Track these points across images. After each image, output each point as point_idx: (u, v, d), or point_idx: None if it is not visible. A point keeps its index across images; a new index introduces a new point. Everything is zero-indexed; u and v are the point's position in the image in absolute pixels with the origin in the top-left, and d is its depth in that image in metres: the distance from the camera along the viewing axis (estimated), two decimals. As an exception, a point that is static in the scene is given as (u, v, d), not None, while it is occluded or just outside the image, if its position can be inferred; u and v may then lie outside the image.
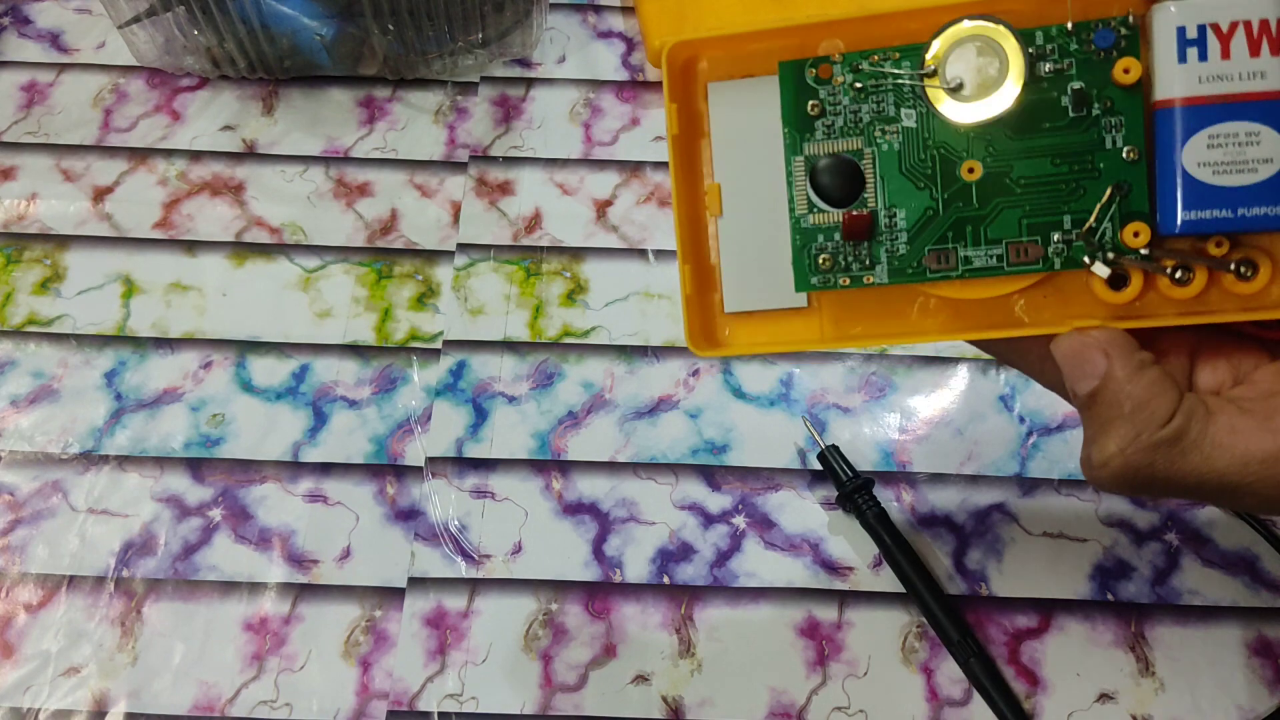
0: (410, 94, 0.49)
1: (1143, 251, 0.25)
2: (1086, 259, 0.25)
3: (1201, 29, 0.24)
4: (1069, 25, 0.25)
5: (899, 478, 0.40)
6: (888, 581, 0.38)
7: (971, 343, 0.29)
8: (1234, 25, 0.24)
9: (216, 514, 0.39)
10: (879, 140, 0.26)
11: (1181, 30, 0.24)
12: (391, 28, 0.46)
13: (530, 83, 0.50)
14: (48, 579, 0.38)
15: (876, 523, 0.38)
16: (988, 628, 0.37)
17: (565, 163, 0.47)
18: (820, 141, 0.27)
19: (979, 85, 0.25)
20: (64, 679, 0.36)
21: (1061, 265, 0.25)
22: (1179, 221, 0.24)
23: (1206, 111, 0.24)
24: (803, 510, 0.39)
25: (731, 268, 0.28)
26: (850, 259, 0.27)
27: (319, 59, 0.48)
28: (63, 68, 0.50)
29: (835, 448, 0.40)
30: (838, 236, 0.27)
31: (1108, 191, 0.25)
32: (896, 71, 0.26)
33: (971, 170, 0.26)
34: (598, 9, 0.52)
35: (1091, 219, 0.25)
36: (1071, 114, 0.25)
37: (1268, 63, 0.23)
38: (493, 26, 0.48)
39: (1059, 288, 0.26)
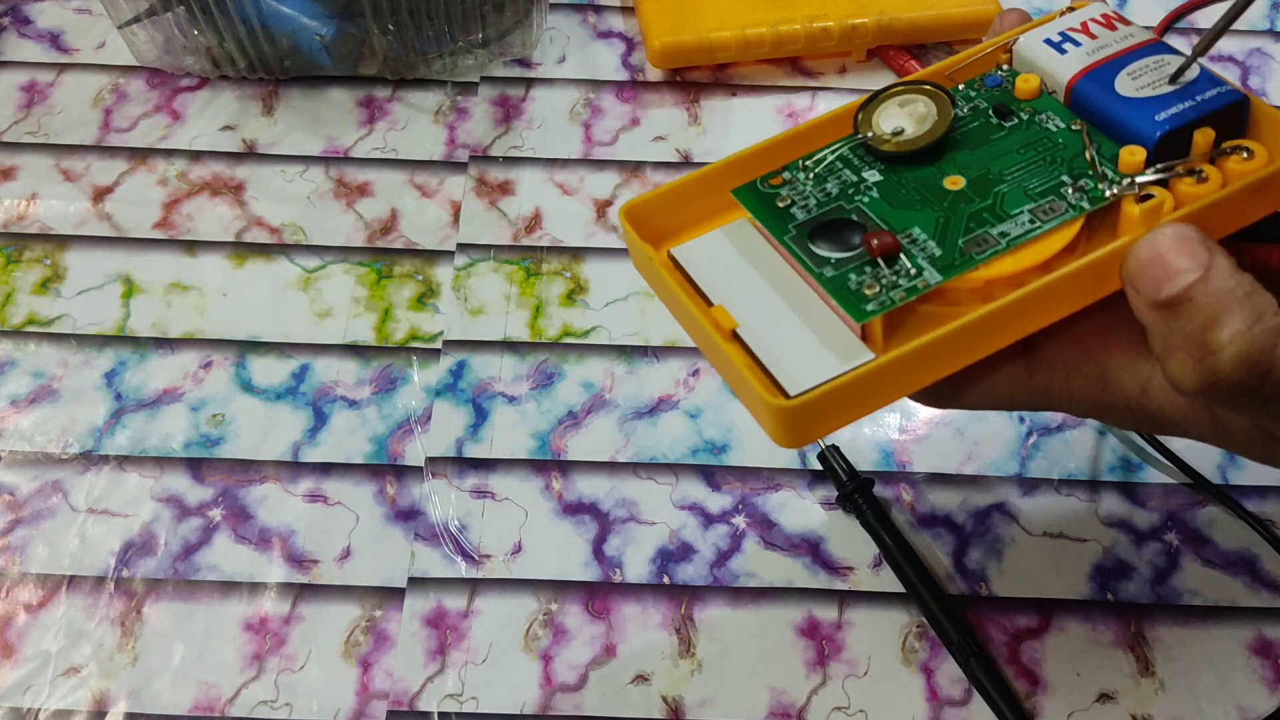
0: (410, 94, 0.49)
1: (1150, 170, 0.26)
2: (1109, 191, 0.26)
3: (1062, 33, 0.29)
4: (960, 86, 0.29)
5: (899, 478, 0.40)
6: (888, 581, 0.38)
7: (992, 402, 0.28)
8: (1084, 23, 0.29)
9: (216, 514, 0.39)
10: (857, 198, 0.27)
11: (1048, 40, 0.29)
12: (391, 28, 0.47)
13: (530, 83, 0.50)
14: (48, 579, 0.38)
15: (876, 523, 0.38)
16: (988, 628, 0.37)
17: (565, 163, 0.47)
18: (803, 221, 0.27)
19: (917, 122, 0.28)
20: (64, 679, 0.36)
21: (1090, 205, 0.26)
22: (1158, 124, 0.26)
23: (1112, 64, 0.28)
24: (803, 510, 0.39)
25: (776, 360, 0.26)
26: (894, 276, 0.26)
27: (319, 59, 0.48)
28: (63, 68, 0.50)
29: (835, 448, 0.40)
30: (869, 268, 0.26)
31: (1084, 137, 0.27)
32: (839, 147, 0.28)
33: (954, 182, 0.27)
34: (598, 9, 0.52)
35: (1089, 157, 0.27)
36: (1005, 125, 0.28)
37: (1126, 30, 0.28)
38: (493, 26, 0.48)
39: (1094, 247, 0.26)
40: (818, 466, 0.40)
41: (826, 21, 0.49)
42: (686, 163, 0.48)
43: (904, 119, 0.28)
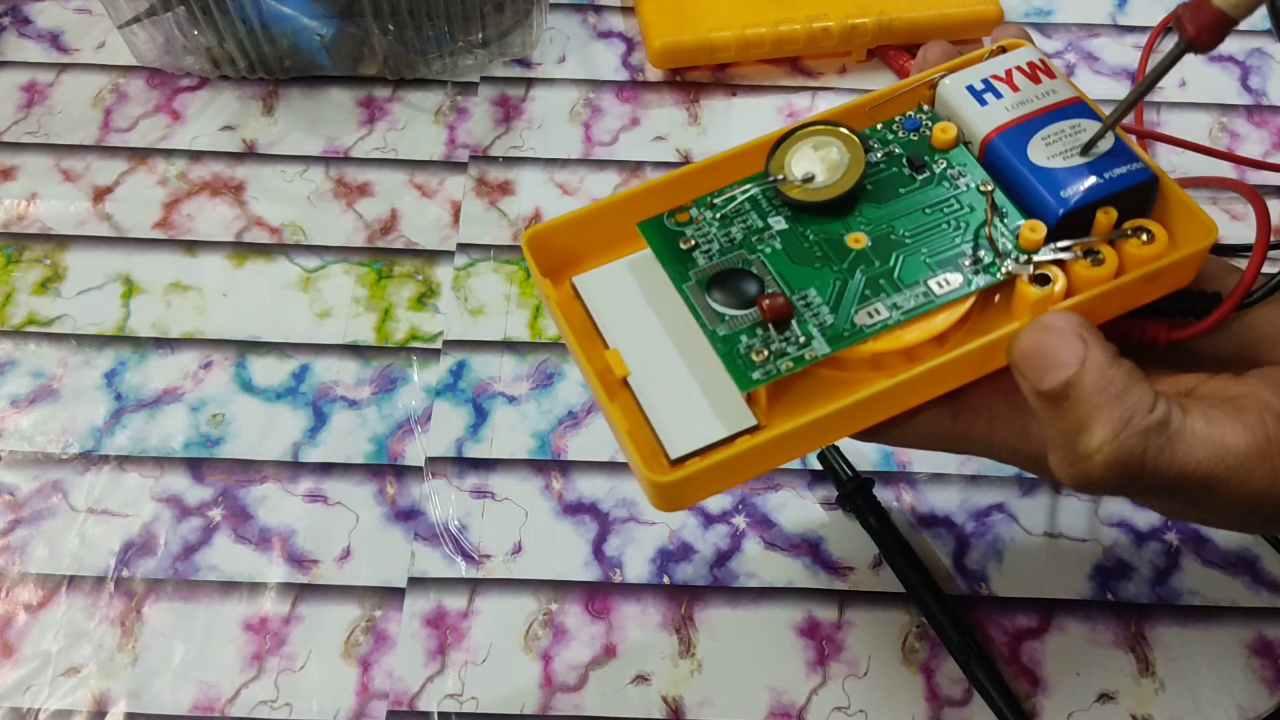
0: (410, 94, 0.49)
1: (1048, 248, 0.26)
2: (1004, 267, 0.26)
3: (985, 81, 0.28)
4: (878, 125, 0.29)
5: (899, 478, 0.40)
6: (888, 581, 0.38)
7: (909, 443, 0.28)
8: (1009, 71, 0.28)
9: (216, 514, 0.39)
10: (760, 247, 0.27)
11: (970, 87, 0.28)
12: (391, 28, 0.47)
13: (530, 83, 0.50)
14: (48, 579, 0.38)
15: (876, 523, 0.38)
16: (988, 628, 0.37)
17: (565, 163, 0.47)
18: (703, 268, 0.27)
19: (828, 169, 0.27)
20: (64, 679, 0.36)
21: (984, 281, 0.26)
22: (1062, 200, 0.26)
23: (1029, 124, 0.27)
24: (803, 510, 0.39)
25: (662, 417, 0.26)
26: (784, 344, 0.26)
27: (319, 59, 0.48)
28: (63, 68, 0.50)
29: (835, 447, 0.40)
30: (761, 331, 0.26)
31: (988, 203, 0.27)
32: (748, 189, 0.28)
33: (857, 240, 0.27)
34: (598, 9, 0.52)
35: (988, 228, 0.26)
36: (918, 178, 0.28)
37: (1050, 84, 0.28)
38: (493, 26, 0.48)
39: (985, 323, 0.26)
40: (818, 466, 0.40)
41: (826, 21, 0.49)
42: (686, 163, 0.48)
43: (816, 163, 0.28)
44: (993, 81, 0.28)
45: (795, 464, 0.40)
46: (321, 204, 0.46)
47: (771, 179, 0.28)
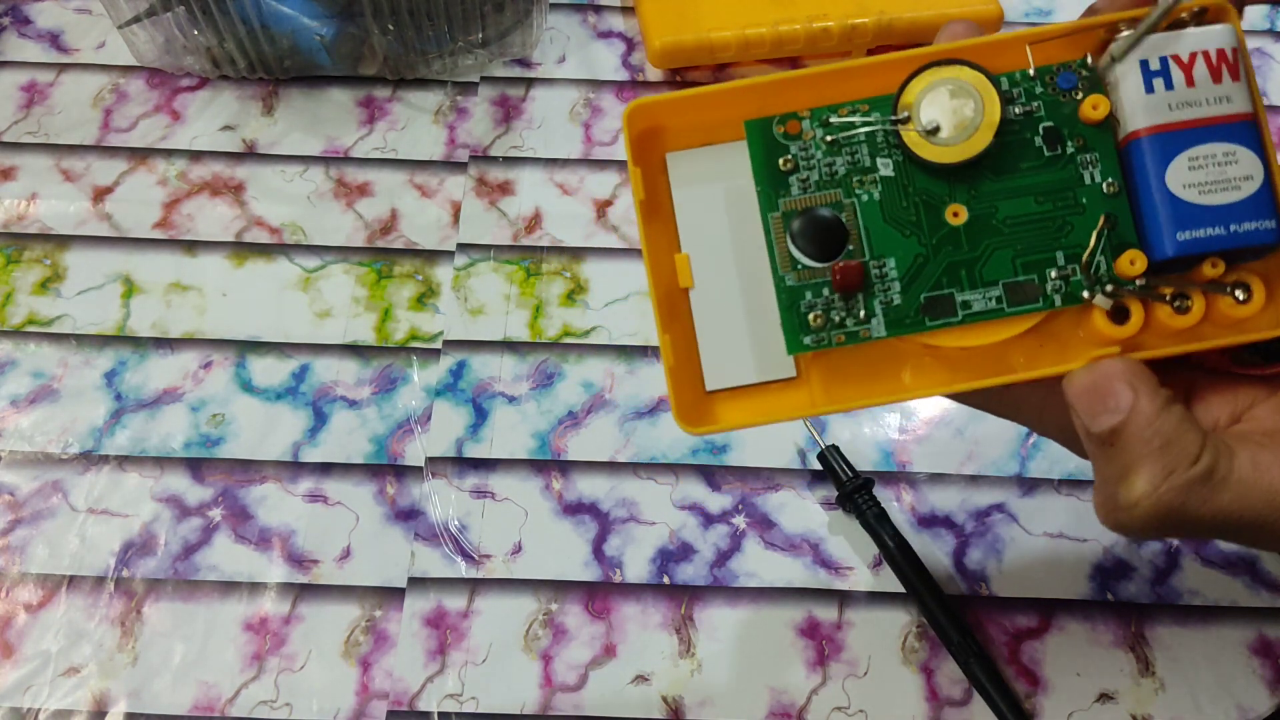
0: (410, 94, 0.49)
1: (1139, 281, 0.24)
2: (1086, 293, 0.25)
3: (1164, 60, 0.24)
4: (1031, 71, 0.25)
5: (899, 478, 0.40)
6: (888, 581, 0.38)
7: (958, 399, 0.28)
8: (1193, 56, 0.24)
9: (216, 514, 0.39)
10: (858, 192, 0.25)
11: (1145, 63, 0.24)
12: (391, 28, 0.47)
13: (530, 83, 0.50)
14: (48, 579, 0.38)
15: (876, 523, 0.38)
16: (988, 628, 0.37)
17: (565, 163, 0.47)
18: (796, 197, 0.25)
19: (956, 126, 0.25)
20: (64, 679, 0.36)
21: (1062, 302, 0.25)
22: (1174, 243, 0.24)
23: (1183, 135, 0.24)
24: (803, 510, 0.39)
25: (710, 343, 0.26)
26: (844, 314, 0.25)
27: (319, 59, 0.48)
28: (63, 68, 0.50)
29: (835, 448, 0.40)
30: (827, 292, 0.25)
31: (1100, 221, 0.25)
32: (869, 120, 0.25)
33: (956, 214, 0.25)
34: (598, 9, 0.52)
35: (1087, 251, 0.25)
36: (1047, 153, 0.25)
37: (1229, 88, 0.24)
38: (493, 26, 0.48)
39: (1054, 333, 0.26)
40: (818, 466, 0.40)
41: (826, 21, 0.49)
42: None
43: (947, 114, 0.25)
44: (1171, 63, 0.24)
45: (795, 464, 0.40)
46: (321, 204, 0.46)
47: (895, 118, 0.25)
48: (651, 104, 0.26)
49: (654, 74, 0.50)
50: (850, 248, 0.25)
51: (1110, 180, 0.25)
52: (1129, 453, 0.23)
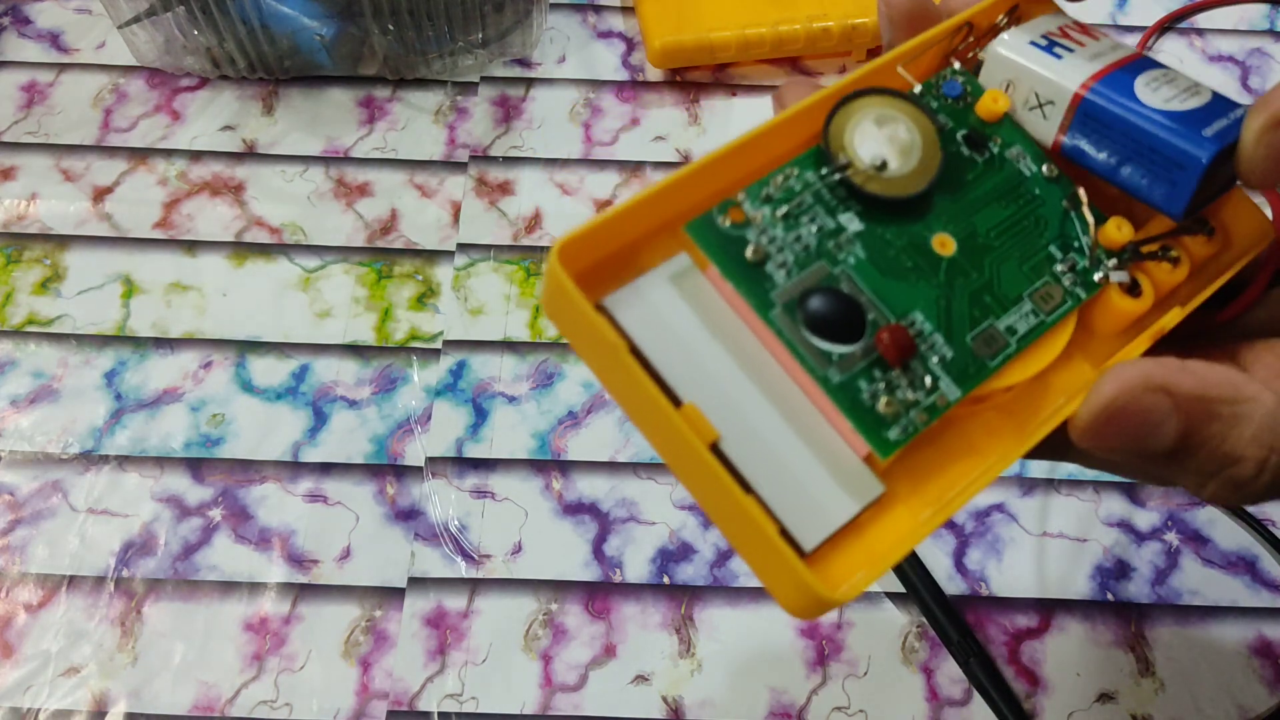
0: (410, 94, 0.49)
1: (1139, 248, 0.23)
2: (1098, 275, 0.23)
3: (1045, 37, 0.24)
4: (917, 88, 0.24)
5: (899, 478, 0.40)
6: (887, 581, 0.38)
7: (1056, 455, 0.25)
8: (1062, 29, 0.24)
9: (216, 514, 0.39)
10: (841, 257, 0.22)
11: (1034, 42, 0.24)
12: (391, 28, 0.47)
13: (530, 83, 0.50)
14: (48, 579, 0.38)
15: (876, 523, 0.38)
16: (988, 628, 0.37)
17: (565, 163, 0.47)
18: (784, 286, 0.21)
19: (901, 152, 0.23)
20: (64, 679, 0.36)
21: (1085, 292, 0.23)
22: (1208, 141, 0.22)
23: (1117, 75, 0.23)
24: (803, 510, 0.39)
25: (777, 495, 0.20)
26: (909, 389, 0.21)
27: (319, 59, 0.48)
28: (63, 68, 0.50)
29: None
30: (877, 372, 0.21)
31: (1064, 204, 0.23)
32: (810, 181, 0.22)
33: (944, 244, 0.23)
34: (598, 9, 0.52)
35: (1091, 230, 0.23)
36: (979, 159, 0.24)
37: (1109, 40, 0.24)
38: (493, 26, 0.48)
39: (1085, 341, 0.24)
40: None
41: (826, 21, 0.49)
42: (687, 163, 0.48)
43: (884, 145, 0.23)
44: (1053, 38, 0.24)
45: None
46: (321, 204, 0.46)
47: (836, 166, 0.22)
48: (576, 240, 0.21)
49: (654, 74, 0.50)
50: (871, 316, 0.21)
51: (1047, 166, 0.24)
52: (1215, 442, 0.21)
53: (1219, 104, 0.22)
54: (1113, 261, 0.23)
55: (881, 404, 0.21)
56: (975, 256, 0.23)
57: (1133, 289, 0.23)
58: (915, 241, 0.22)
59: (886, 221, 0.22)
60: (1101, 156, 0.23)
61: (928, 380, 0.21)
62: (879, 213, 0.22)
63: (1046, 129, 0.24)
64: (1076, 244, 0.23)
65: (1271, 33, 0.52)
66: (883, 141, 0.23)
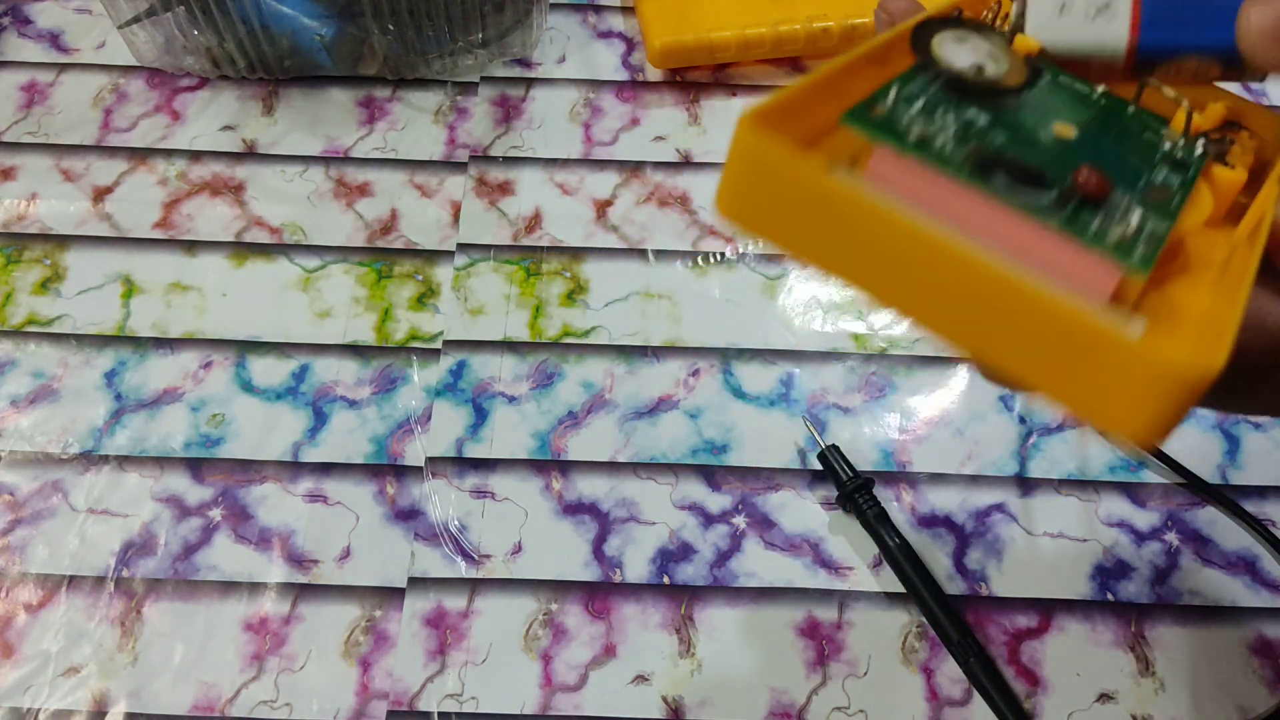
0: (410, 94, 0.49)
1: (1207, 139, 0.24)
2: (1199, 150, 0.23)
3: None
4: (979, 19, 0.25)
5: (899, 478, 0.40)
6: (888, 581, 0.38)
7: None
8: None
9: (216, 514, 0.39)
10: (987, 140, 0.22)
11: None
12: (391, 28, 0.47)
13: (530, 83, 0.50)
14: (48, 579, 0.38)
15: (876, 523, 0.38)
16: (988, 628, 0.37)
17: (565, 163, 0.47)
18: (960, 158, 0.21)
19: (990, 58, 0.23)
20: (64, 679, 0.36)
21: (1200, 161, 0.23)
22: None
23: None
24: (803, 510, 0.39)
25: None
26: (1122, 222, 0.21)
27: (319, 59, 0.48)
28: (63, 68, 0.50)
29: (835, 448, 0.40)
30: (1085, 213, 0.20)
31: (1134, 109, 0.24)
32: (920, 87, 0.22)
33: (1065, 130, 0.23)
34: (598, 9, 0.52)
35: (1175, 120, 0.24)
36: (1038, 82, 0.24)
37: None
38: (493, 26, 0.48)
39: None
40: (818, 466, 0.40)
41: (826, 21, 0.49)
42: (686, 163, 0.48)
43: (973, 55, 0.23)
44: None
45: (795, 464, 0.40)
46: (321, 204, 0.46)
47: (946, 70, 0.22)
48: (774, 106, 0.21)
49: (654, 74, 0.50)
50: (1048, 172, 0.21)
51: (1094, 90, 0.24)
52: None
53: None
54: (1201, 141, 0.23)
55: (1112, 232, 0.20)
56: (1095, 139, 0.23)
57: (1222, 160, 0.23)
58: (1041, 127, 0.22)
59: (1007, 117, 0.22)
60: (1178, 32, 0.23)
61: (1135, 212, 0.21)
62: (998, 106, 0.22)
63: (1116, 31, 0.24)
64: (1164, 131, 0.23)
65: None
66: (970, 53, 0.23)
